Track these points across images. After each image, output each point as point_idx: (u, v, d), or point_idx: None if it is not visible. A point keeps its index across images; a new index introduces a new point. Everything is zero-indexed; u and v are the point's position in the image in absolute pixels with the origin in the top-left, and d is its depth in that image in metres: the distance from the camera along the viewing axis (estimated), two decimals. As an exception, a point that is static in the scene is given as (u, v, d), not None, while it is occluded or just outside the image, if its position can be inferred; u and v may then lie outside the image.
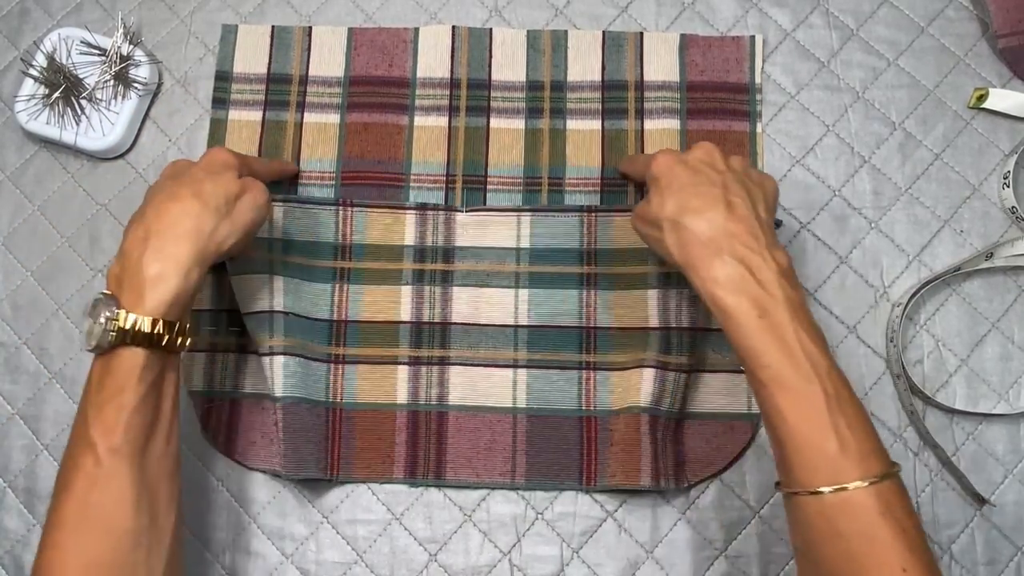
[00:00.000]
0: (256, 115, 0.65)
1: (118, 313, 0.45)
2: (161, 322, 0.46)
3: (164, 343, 0.46)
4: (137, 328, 0.45)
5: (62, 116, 0.65)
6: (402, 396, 0.61)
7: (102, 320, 0.45)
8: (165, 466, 0.48)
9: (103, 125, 0.65)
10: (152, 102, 0.67)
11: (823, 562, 0.43)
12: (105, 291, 0.47)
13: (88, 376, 0.48)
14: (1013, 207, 0.62)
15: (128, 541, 0.45)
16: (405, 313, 0.61)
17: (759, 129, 0.64)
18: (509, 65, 0.66)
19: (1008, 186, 0.62)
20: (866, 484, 0.41)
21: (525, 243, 0.62)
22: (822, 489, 0.42)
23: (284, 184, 0.64)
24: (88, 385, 0.47)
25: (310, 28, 0.67)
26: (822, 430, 0.43)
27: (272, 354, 0.58)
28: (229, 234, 0.50)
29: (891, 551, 0.41)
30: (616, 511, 0.60)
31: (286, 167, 0.63)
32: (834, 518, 0.42)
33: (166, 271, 0.47)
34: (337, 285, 0.61)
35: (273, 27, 0.67)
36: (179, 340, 0.48)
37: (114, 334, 0.45)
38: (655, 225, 0.49)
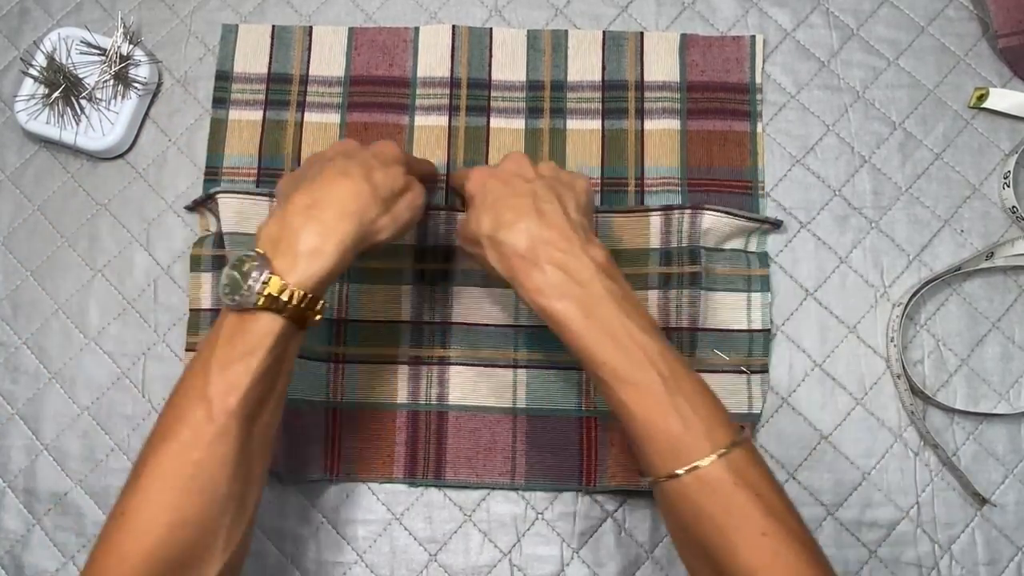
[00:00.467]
0: (256, 115, 0.65)
1: (271, 277, 0.44)
2: (308, 296, 0.45)
3: (304, 317, 0.46)
4: (285, 297, 0.45)
5: (62, 116, 0.65)
6: (402, 396, 0.61)
7: (252, 280, 0.44)
8: (267, 440, 0.47)
9: (103, 125, 0.65)
10: (152, 102, 0.67)
11: (696, 542, 0.43)
12: (259, 249, 0.46)
13: (215, 328, 0.46)
14: (1013, 207, 0.62)
15: (218, 506, 0.44)
16: (406, 313, 0.61)
17: (759, 129, 0.64)
18: (509, 65, 0.66)
19: (1008, 186, 0.62)
20: (716, 457, 0.42)
21: (525, 243, 0.62)
22: (678, 472, 0.43)
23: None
24: (214, 337, 0.46)
25: (310, 28, 0.67)
26: (664, 414, 0.44)
27: (272, 354, 0.58)
28: (387, 227, 0.50)
29: (749, 518, 0.42)
30: (616, 511, 0.60)
31: (433, 167, 0.62)
32: (694, 498, 0.43)
33: (325, 247, 0.46)
34: (337, 284, 0.61)
35: (273, 27, 0.67)
36: (317, 317, 0.47)
37: (263, 297, 0.44)
38: (475, 243, 0.50)
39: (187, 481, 0.44)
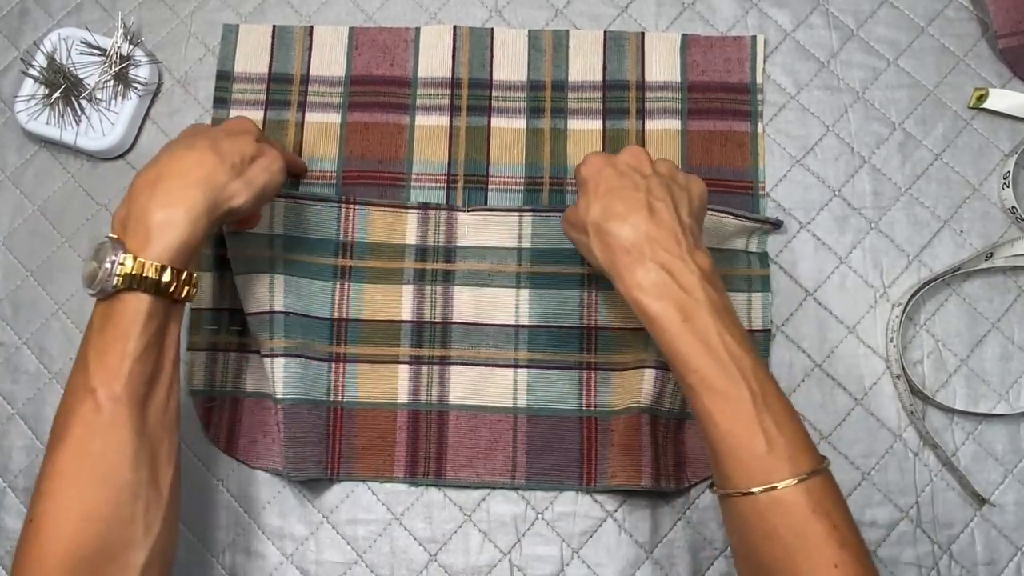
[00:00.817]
0: (257, 115, 0.66)
1: (124, 257, 0.44)
2: (168, 269, 0.45)
3: (171, 290, 0.46)
4: (143, 273, 0.44)
5: (62, 116, 0.65)
6: (403, 395, 0.61)
7: (108, 264, 0.44)
8: (166, 420, 0.47)
9: (103, 125, 0.65)
10: (152, 102, 0.67)
11: (760, 563, 0.43)
12: (111, 235, 0.46)
13: (89, 322, 0.47)
14: (1013, 207, 0.62)
15: (127, 493, 0.44)
16: (406, 312, 0.61)
17: (760, 129, 0.64)
18: (510, 65, 0.66)
19: (1008, 186, 0.62)
20: (795, 482, 0.42)
21: (526, 243, 0.62)
22: (754, 490, 0.43)
23: (286, 182, 0.64)
24: (88, 331, 0.46)
25: (311, 28, 0.67)
26: (750, 431, 0.43)
27: (273, 355, 0.58)
28: (240, 191, 0.50)
29: (823, 548, 0.41)
30: (616, 511, 0.60)
31: (298, 161, 0.63)
32: (767, 518, 0.43)
33: (175, 216, 0.46)
34: (338, 283, 0.61)
35: (274, 27, 0.67)
36: (185, 289, 0.47)
37: (119, 278, 0.44)
38: (581, 229, 0.50)
39: (88, 474, 0.44)
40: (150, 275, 0.45)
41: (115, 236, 0.46)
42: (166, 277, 0.45)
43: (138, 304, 0.45)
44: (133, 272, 0.44)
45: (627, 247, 0.47)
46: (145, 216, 0.46)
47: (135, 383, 0.45)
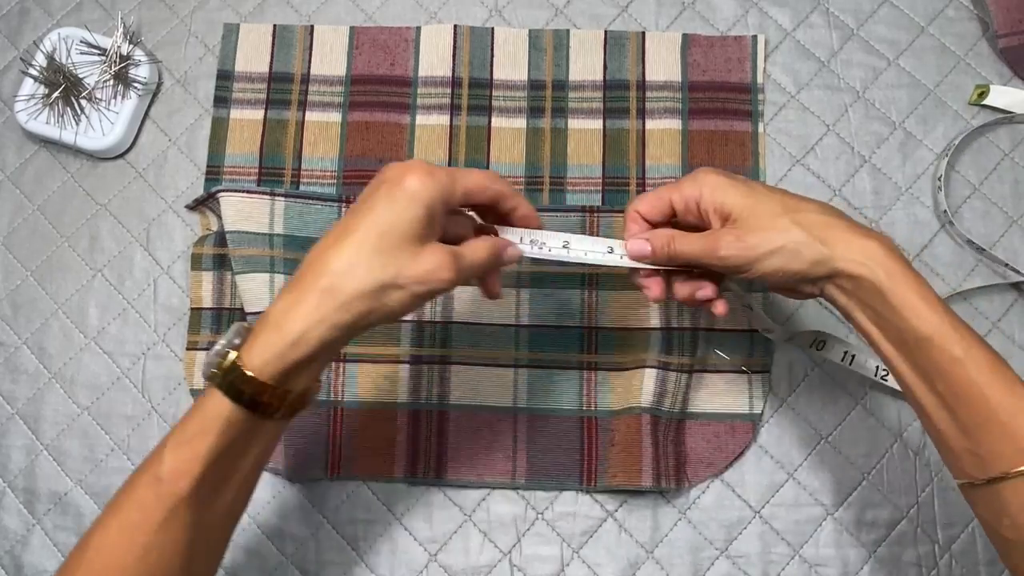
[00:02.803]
0: (258, 114, 0.65)
1: (228, 352, 0.40)
2: (264, 384, 0.40)
3: (259, 408, 0.40)
4: (234, 377, 0.40)
5: (62, 116, 0.65)
6: (403, 395, 0.61)
7: (216, 348, 0.40)
8: (227, 524, 0.44)
9: (103, 125, 0.65)
10: (152, 102, 0.67)
11: None
12: (248, 324, 0.42)
13: (191, 408, 0.43)
14: (945, 211, 0.62)
15: None
16: (406, 312, 0.61)
17: (761, 129, 0.64)
18: (511, 64, 0.66)
19: (941, 190, 0.62)
20: None
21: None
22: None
23: (286, 182, 0.64)
24: (182, 418, 0.42)
25: (312, 27, 0.67)
26: (1018, 401, 0.39)
27: (272, 354, 0.58)
28: (373, 312, 0.41)
29: None
30: (616, 511, 0.60)
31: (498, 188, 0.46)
32: None
33: (301, 333, 0.40)
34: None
35: (275, 26, 0.67)
36: (280, 410, 0.41)
37: (217, 372, 0.40)
38: (771, 235, 0.43)
39: (135, 563, 0.40)
40: (238, 384, 0.40)
41: (250, 326, 0.42)
42: (253, 391, 0.40)
43: (221, 407, 0.40)
44: (228, 374, 0.40)
45: (835, 222, 0.43)
46: (271, 318, 0.41)
47: (204, 486, 0.41)
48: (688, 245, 0.45)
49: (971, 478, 0.41)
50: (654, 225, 0.48)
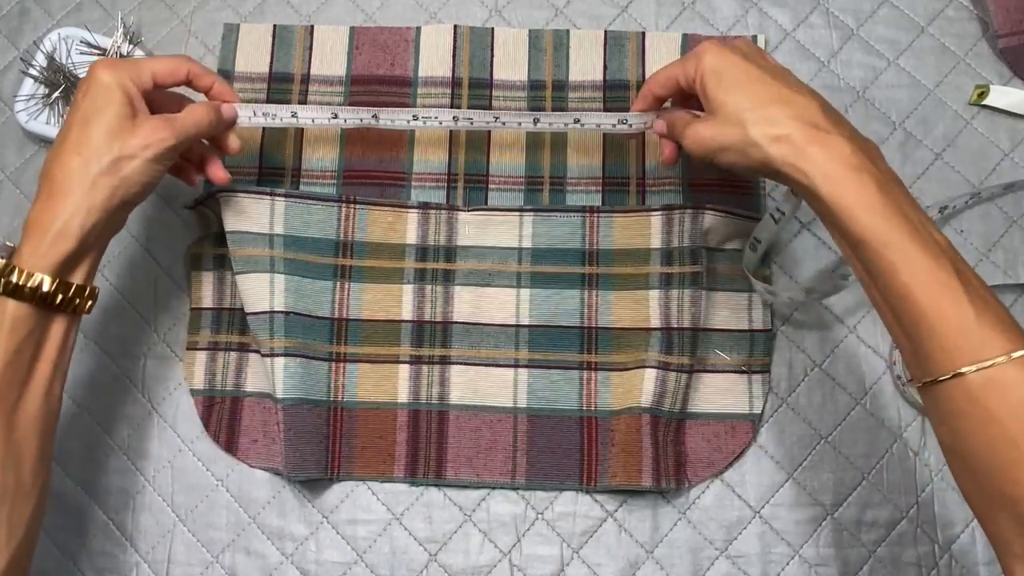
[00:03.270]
0: (257, 114, 0.66)
1: (2, 261, 0.46)
2: (44, 278, 0.45)
3: (46, 301, 0.46)
4: (10, 278, 0.45)
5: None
6: (403, 395, 0.61)
7: None
8: (37, 426, 0.47)
9: (103, 125, 0.65)
10: (152, 102, 0.67)
11: (974, 454, 0.39)
12: (8, 242, 0.48)
13: None
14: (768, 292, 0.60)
15: None
16: (406, 312, 0.61)
17: (760, 129, 0.64)
18: (511, 64, 0.66)
19: (755, 250, 0.58)
20: (1012, 358, 0.38)
21: (527, 243, 0.62)
22: (964, 370, 0.39)
23: (286, 182, 0.64)
24: None
25: (312, 27, 0.67)
26: (957, 306, 0.39)
27: (273, 355, 0.58)
28: (117, 185, 0.48)
29: None
30: (616, 511, 0.60)
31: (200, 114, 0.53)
32: (982, 400, 0.38)
33: (45, 221, 0.46)
34: (338, 283, 0.61)
35: (275, 26, 0.67)
36: (59, 298, 0.46)
37: (1, 286, 0.45)
38: (733, 124, 0.46)
39: None
40: (14, 280, 0.45)
41: (12, 245, 0.48)
42: (29, 283, 0.45)
43: (9, 311, 0.45)
44: (9, 281, 0.45)
45: (813, 122, 0.44)
46: (31, 224, 0.47)
47: (3, 389, 0.45)
48: (675, 135, 0.51)
49: (918, 381, 0.42)
50: (663, 99, 0.54)
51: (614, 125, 0.57)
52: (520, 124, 0.58)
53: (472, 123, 0.58)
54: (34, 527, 0.47)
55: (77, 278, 0.48)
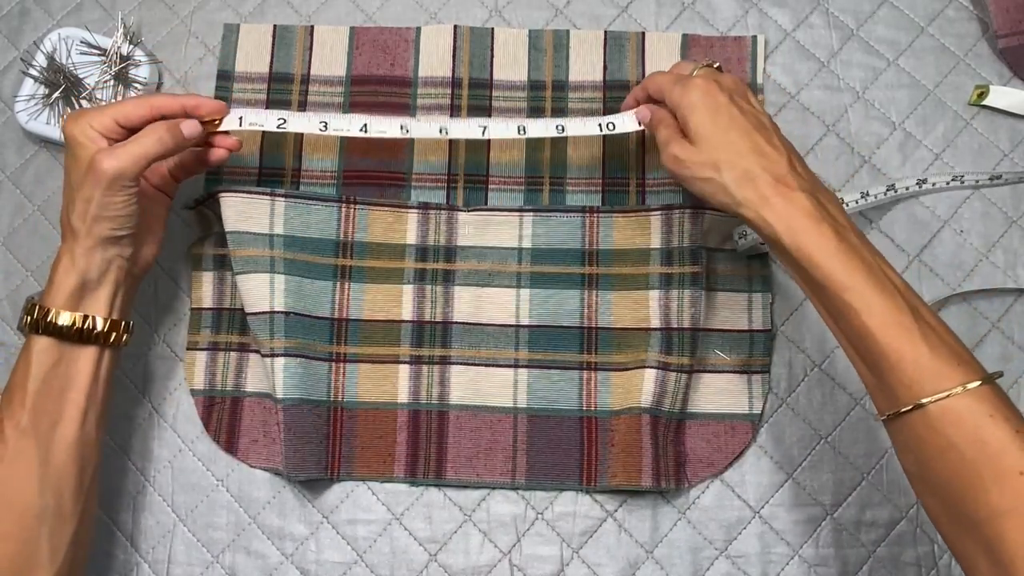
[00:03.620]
0: (258, 114, 0.65)
1: (30, 304, 0.50)
2: (64, 314, 0.50)
3: (69, 334, 0.50)
4: (37, 317, 0.49)
5: (62, 116, 0.65)
6: (403, 395, 0.61)
7: (21, 314, 0.50)
8: (74, 452, 0.50)
9: (103, 125, 0.65)
10: (152, 102, 0.67)
11: (938, 480, 0.42)
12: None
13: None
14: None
15: (31, 517, 0.48)
16: (407, 312, 0.61)
17: (760, 129, 0.64)
18: (511, 65, 0.66)
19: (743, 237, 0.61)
20: (967, 388, 0.41)
21: (527, 243, 0.62)
22: (923, 401, 0.41)
23: (286, 182, 0.64)
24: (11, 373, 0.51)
25: (312, 27, 0.67)
26: (914, 343, 0.42)
27: (273, 355, 0.58)
28: (92, 228, 0.50)
29: (1005, 455, 0.40)
30: (616, 511, 0.60)
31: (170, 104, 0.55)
32: (941, 429, 0.41)
33: (60, 270, 0.51)
34: (338, 283, 0.61)
35: (275, 26, 0.67)
36: (87, 333, 0.51)
37: (27, 324, 0.50)
38: (708, 163, 0.49)
39: None
40: (44, 319, 0.49)
41: (39, 297, 0.52)
42: (62, 320, 0.50)
43: (37, 346, 0.50)
44: (32, 317, 0.50)
45: (780, 176, 0.47)
46: (51, 267, 0.51)
47: (39, 417, 0.49)
48: (661, 133, 0.53)
49: (883, 414, 0.44)
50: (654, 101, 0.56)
51: (600, 128, 0.58)
52: (506, 129, 0.59)
53: (450, 132, 0.59)
54: (78, 551, 0.50)
55: (99, 312, 0.51)
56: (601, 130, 0.58)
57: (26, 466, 0.48)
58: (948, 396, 0.41)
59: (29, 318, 0.50)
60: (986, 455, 0.40)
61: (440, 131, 0.59)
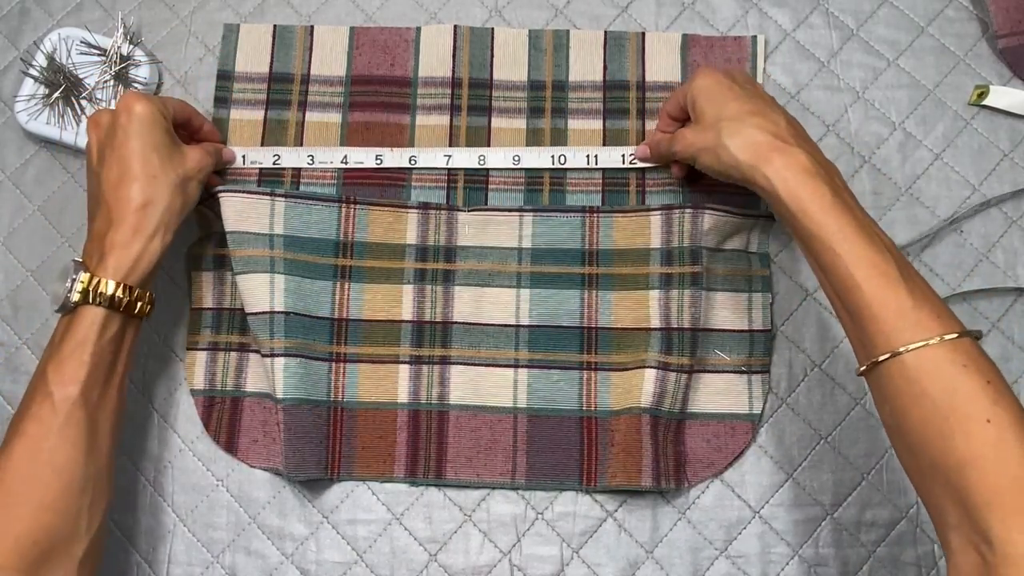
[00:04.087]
0: (258, 114, 0.66)
1: (83, 276, 0.50)
2: (121, 286, 0.51)
3: (124, 306, 0.51)
4: (97, 289, 0.50)
5: (62, 116, 0.65)
6: (403, 395, 0.61)
7: (68, 282, 0.50)
8: (115, 419, 0.52)
9: (103, 125, 0.65)
10: (152, 102, 0.67)
11: (911, 429, 0.43)
12: (76, 258, 0.52)
13: (52, 337, 0.52)
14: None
15: (77, 487, 0.49)
16: (406, 312, 0.61)
17: (759, 129, 0.64)
18: (511, 65, 0.66)
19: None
20: (945, 339, 0.42)
21: (527, 243, 0.62)
22: (901, 349, 0.43)
23: (287, 182, 0.64)
24: (50, 344, 0.51)
25: (312, 27, 0.67)
26: (898, 295, 0.44)
27: (273, 355, 0.58)
28: (184, 202, 0.55)
29: (974, 403, 0.41)
30: (616, 511, 0.60)
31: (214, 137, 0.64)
32: (917, 378, 0.43)
33: (130, 241, 0.52)
34: (338, 283, 0.61)
35: (275, 26, 0.67)
36: (138, 305, 0.52)
37: (79, 294, 0.50)
38: (710, 130, 0.52)
39: (43, 468, 0.48)
40: (103, 291, 0.50)
41: (79, 259, 0.52)
42: (119, 293, 0.51)
43: (94, 316, 0.50)
44: (88, 288, 0.50)
45: (776, 134, 0.50)
46: (102, 243, 0.52)
47: (90, 387, 0.50)
48: (666, 144, 0.58)
49: (863, 363, 0.46)
50: (680, 119, 0.60)
51: (589, 158, 0.63)
52: (503, 157, 0.64)
53: (419, 161, 0.64)
54: (105, 523, 0.51)
55: (148, 286, 0.54)
56: (594, 159, 0.63)
57: (76, 436, 0.49)
58: (925, 346, 0.43)
59: (81, 288, 0.50)
60: (955, 403, 0.41)
61: (410, 160, 0.63)
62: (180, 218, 0.55)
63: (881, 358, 0.44)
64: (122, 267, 0.51)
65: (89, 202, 0.56)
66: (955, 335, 0.43)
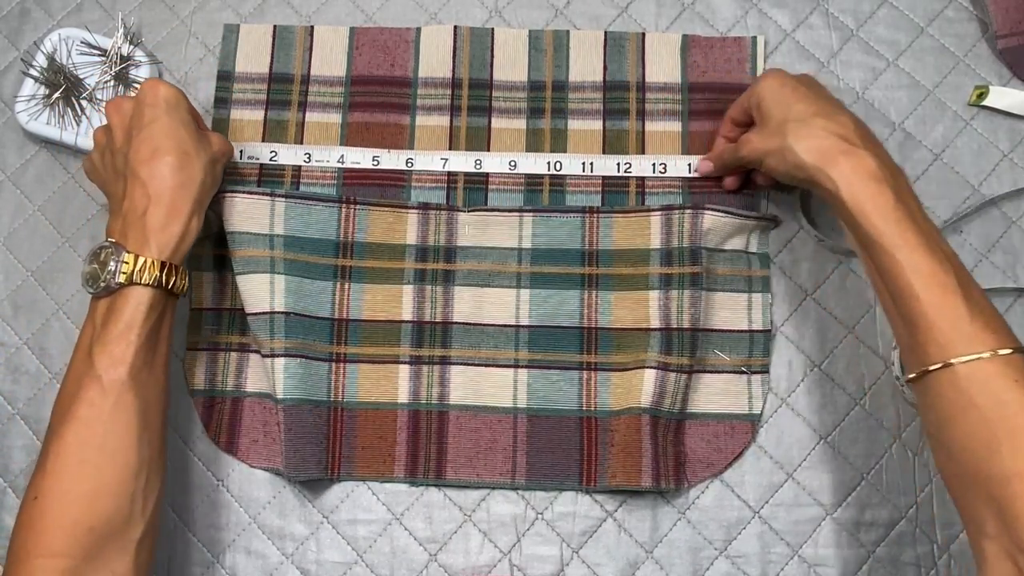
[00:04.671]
0: (258, 114, 0.66)
1: (128, 256, 0.50)
2: (168, 265, 0.51)
3: (169, 285, 0.51)
4: (144, 269, 0.50)
5: (62, 116, 0.65)
6: (403, 395, 0.61)
7: (112, 264, 0.50)
8: (161, 400, 0.52)
9: (103, 125, 0.65)
10: (152, 102, 0.67)
11: (956, 438, 0.43)
12: (110, 239, 0.51)
13: (89, 317, 0.51)
14: (817, 237, 0.62)
15: (131, 471, 0.48)
16: (406, 312, 0.61)
17: (759, 129, 0.64)
18: (511, 65, 0.66)
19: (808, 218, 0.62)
20: (998, 354, 0.43)
21: (527, 243, 0.62)
22: (953, 360, 0.43)
23: (287, 183, 0.64)
24: (89, 326, 0.51)
25: (312, 28, 0.67)
26: (955, 306, 0.44)
27: (273, 355, 0.58)
28: (213, 181, 0.55)
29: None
30: (616, 511, 0.60)
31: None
32: (966, 389, 0.43)
33: (170, 220, 0.51)
34: (339, 283, 0.61)
35: (275, 27, 0.67)
36: (181, 284, 0.52)
37: (124, 275, 0.49)
38: (776, 132, 0.52)
39: (96, 452, 0.47)
40: (150, 271, 0.50)
41: (115, 240, 0.51)
42: (165, 272, 0.50)
43: (141, 296, 0.50)
44: (136, 269, 0.50)
45: (843, 136, 0.50)
46: (143, 224, 0.51)
47: (138, 368, 0.49)
48: (730, 152, 0.58)
49: (913, 371, 0.46)
50: (744, 124, 0.59)
51: (585, 166, 0.64)
52: (500, 162, 0.64)
53: (415, 163, 0.64)
54: (161, 497, 0.51)
55: (181, 263, 0.53)
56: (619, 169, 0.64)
57: (128, 419, 0.48)
58: (978, 359, 0.43)
59: (127, 270, 0.49)
60: (1004, 416, 0.42)
61: (407, 163, 0.63)
62: (210, 199, 0.55)
63: (932, 367, 0.44)
64: (167, 247, 0.51)
65: (107, 186, 0.56)
66: (1009, 351, 0.43)
